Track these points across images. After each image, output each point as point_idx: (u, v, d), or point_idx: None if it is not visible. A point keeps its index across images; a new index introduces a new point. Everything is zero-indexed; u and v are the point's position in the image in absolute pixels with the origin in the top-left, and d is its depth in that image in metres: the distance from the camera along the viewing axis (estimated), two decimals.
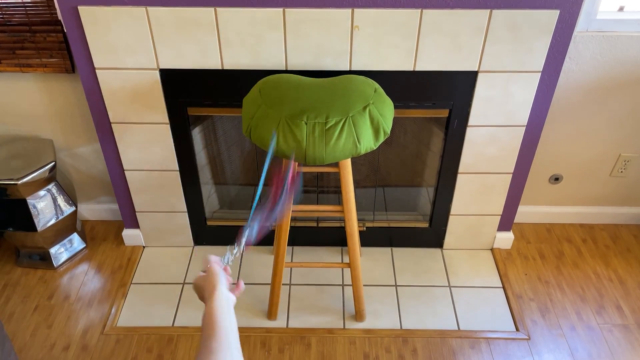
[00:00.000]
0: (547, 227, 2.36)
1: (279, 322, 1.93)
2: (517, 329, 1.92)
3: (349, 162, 1.59)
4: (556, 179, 2.25)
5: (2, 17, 1.79)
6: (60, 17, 1.79)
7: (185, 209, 2.11)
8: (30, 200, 1.97)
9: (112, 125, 1.86)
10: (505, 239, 2.21)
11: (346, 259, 2.19)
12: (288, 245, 2.24)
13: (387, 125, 1.47)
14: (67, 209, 2.09)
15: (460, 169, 1.96)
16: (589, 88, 1.97)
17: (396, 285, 2.07)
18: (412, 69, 1.71)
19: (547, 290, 2.07)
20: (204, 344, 0.83)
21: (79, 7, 1.59)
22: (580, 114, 2.05)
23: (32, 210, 1.98)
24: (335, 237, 2.22)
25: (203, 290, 0.95)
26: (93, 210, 2.36)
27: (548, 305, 2.01)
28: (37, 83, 1.96)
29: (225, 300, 0.91)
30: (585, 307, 2.00)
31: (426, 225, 2.17)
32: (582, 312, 1.98)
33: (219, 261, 1.00)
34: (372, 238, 2.21)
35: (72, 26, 1.65)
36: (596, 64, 1.91)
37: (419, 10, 1.58)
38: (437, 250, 2.23)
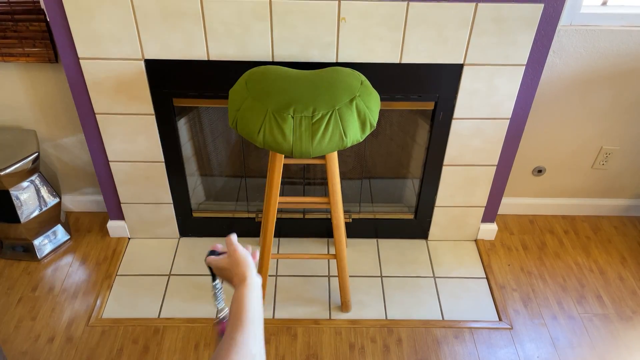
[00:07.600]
0: (530, 219, 2.39)
1: (266, 313, 1.94)
2: (500, 319, 1.95)
3: (335, 154, 1.59)
4: (539, 171, 2.28)
5: None
6: (43, 5, 1.76)
7: (171, 201, 2.10)
8: (13, 192, 1.95)
9: (97, 116, 1.84)
10: (489, 230, 2.23)
11: (332, 250, 2.20)
12: (274, 236, 2.24)
13: (374, 117, 1.48)
14: (51, 201, 2.07)
15: (445, 161, 1.98)
16: (571, 81, 2.00)
17: (381, 276, 2.09)
18: (398, 62, 1.71)
19: (529, 280, 2.10)
20: (231, 335, 0.83)
21: None
22: (563, 107, 2.07)
23: (15, 202, 1.96)
24: (321, 229, 2.23)
25: (232, 275, 0.94)
26: (77, 201, 2.34)
27: (530, 295, 2.04)
28: (20, 73, 1.93)
29: (257, 289, 0.91)
30: (567, 297, 2.04)
31: (411, 216, 2.19)
32: (564, 302, 2.02)
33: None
34: (358, 229, 2.22)
35: (55, 15, 1.62)
36: (579, 58, 1.93)
37: (406, 3, 1.58)
38: (422, 242, 2.25)
